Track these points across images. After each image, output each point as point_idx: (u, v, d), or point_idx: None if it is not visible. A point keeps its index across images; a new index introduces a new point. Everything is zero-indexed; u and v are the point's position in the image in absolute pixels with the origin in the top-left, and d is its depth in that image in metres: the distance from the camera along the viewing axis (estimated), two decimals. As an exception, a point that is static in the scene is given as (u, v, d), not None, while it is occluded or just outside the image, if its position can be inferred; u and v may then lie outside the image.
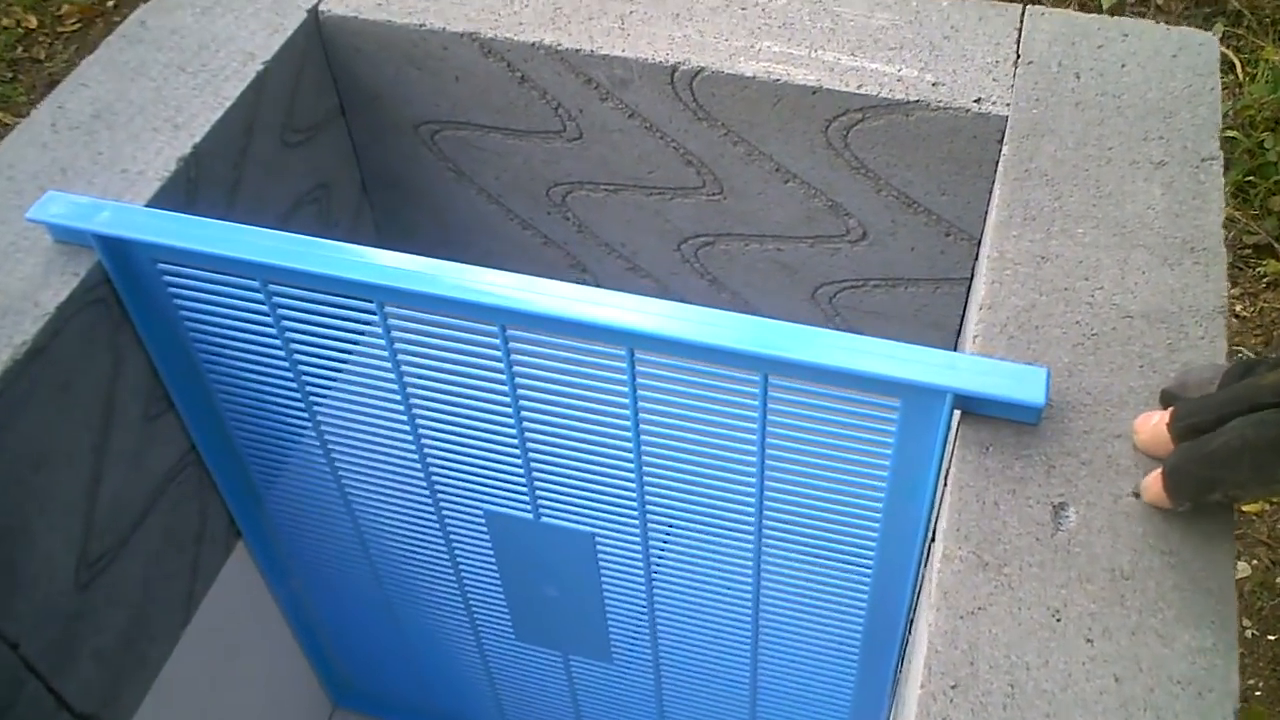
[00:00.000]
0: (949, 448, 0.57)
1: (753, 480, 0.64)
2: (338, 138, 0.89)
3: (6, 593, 0.64)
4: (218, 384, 0.73)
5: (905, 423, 0.57)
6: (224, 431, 0.77)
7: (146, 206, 0.68)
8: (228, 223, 0.63)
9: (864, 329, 0.88)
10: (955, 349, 0.84)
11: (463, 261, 0.60)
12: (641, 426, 0.63)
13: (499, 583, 0.80)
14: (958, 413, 0.56)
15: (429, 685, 0.98)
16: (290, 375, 0.69)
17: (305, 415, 0.72)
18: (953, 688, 0.49)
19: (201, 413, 0.75)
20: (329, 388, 0.70)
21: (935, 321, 0.85)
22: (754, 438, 0.61)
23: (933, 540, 0.61)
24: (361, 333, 0.65)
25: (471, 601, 0.84)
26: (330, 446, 0.74)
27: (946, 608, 0.51)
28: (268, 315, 0.65)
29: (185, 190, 0.72)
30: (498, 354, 0.62)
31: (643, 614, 0.78)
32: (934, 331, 0.85)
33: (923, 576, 0.65)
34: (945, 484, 0.57)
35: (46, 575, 0.66)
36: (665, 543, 0.71)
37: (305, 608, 0.94)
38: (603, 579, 0.76)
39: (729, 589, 0.73)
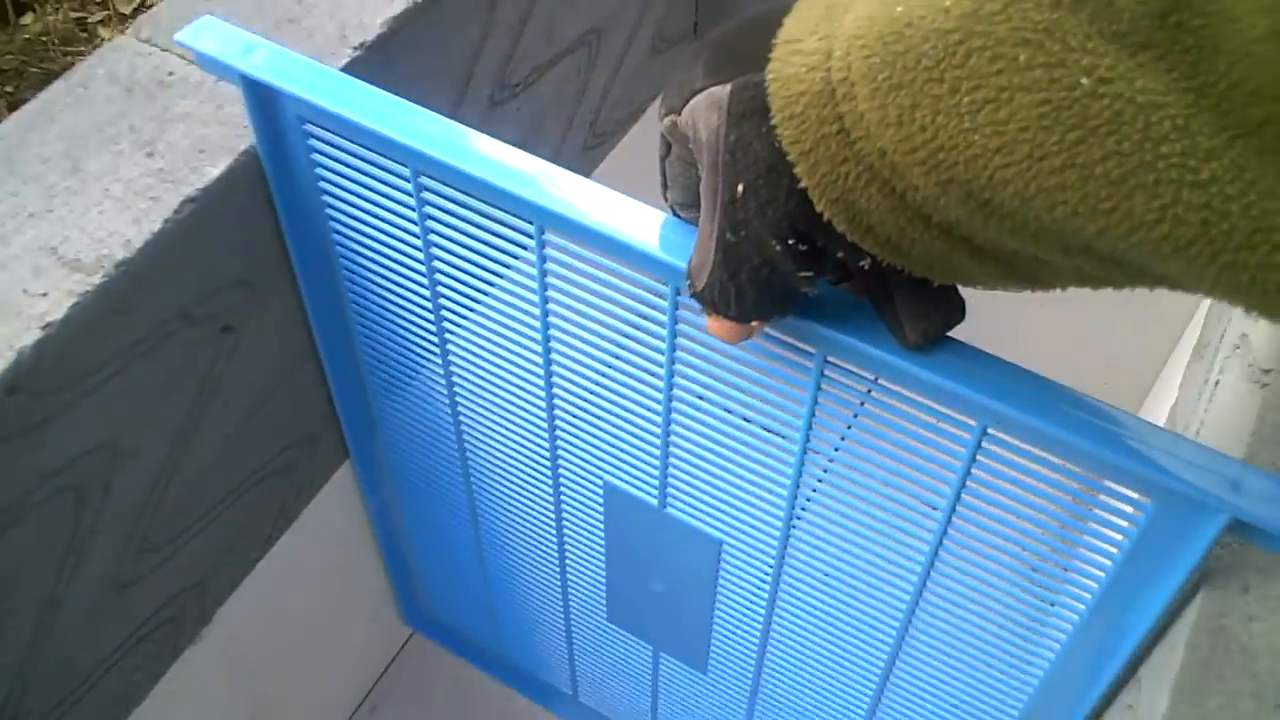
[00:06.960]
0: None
1: (929, 539, 0.52)
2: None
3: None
4: (346, 269, 0.64)
5: (1151, 529, 0.45)
6: (348, 331, 0.68)
7: None
8: (390, 94, 0.53)
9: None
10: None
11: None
12: (815, 445, 0.52)
13: (602, 559, 0.71)
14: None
15: (504, 636, 0.90)
16: (426, 283, 0.60)
17: (434, 334, 0.63)
18: None
19: (327, 307, 0.67)
20: (468, 307, 0.60)
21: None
22: (950, 490, 0.49)
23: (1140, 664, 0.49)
24: (515, 255, 0.55)
25: (569, 569, 0.75)
26: (454, 375, 0.65)
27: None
28: (413, 210, 0.56)
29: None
30: (664, 318, 0.51)
31: (753, 639, 0.67)
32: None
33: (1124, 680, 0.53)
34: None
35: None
36: (802, 571, 0.60)
37: (394, 522, 0.86)
38: (719, 591, 0.66)
39: (863, 641, 0.62)
